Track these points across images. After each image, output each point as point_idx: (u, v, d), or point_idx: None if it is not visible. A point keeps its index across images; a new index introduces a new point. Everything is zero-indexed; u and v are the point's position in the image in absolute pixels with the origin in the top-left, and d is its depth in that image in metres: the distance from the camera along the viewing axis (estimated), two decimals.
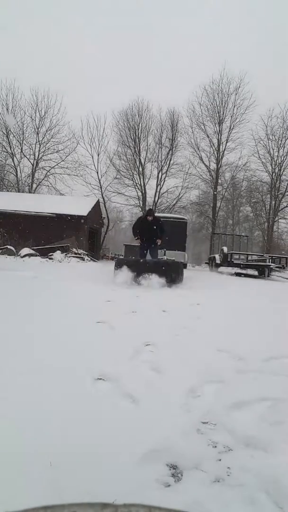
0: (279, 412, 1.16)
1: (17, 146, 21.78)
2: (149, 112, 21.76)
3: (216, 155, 22.14)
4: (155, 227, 5.67)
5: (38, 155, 21.87)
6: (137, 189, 22.01)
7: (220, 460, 0.89)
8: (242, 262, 10.72)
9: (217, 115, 21.73)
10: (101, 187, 21.38)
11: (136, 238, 5.79)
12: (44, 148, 21.91)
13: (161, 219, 5.89)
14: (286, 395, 1.30)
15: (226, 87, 21.36)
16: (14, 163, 21.98)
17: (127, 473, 0.81)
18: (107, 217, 20.99)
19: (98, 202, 18.46)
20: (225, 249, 11.55)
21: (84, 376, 1.36)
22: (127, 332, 2.10)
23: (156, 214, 6.09)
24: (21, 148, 21.77)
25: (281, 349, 1.92)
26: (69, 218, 14.80)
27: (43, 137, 21.79)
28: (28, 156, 21.93)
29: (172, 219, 12.70)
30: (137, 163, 21.86)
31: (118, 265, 4.90)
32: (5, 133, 21.34)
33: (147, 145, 22.00)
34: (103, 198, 21.00)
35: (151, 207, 6.42)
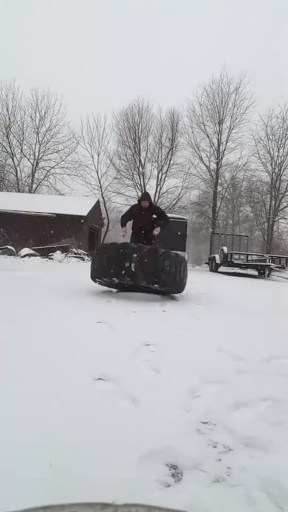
0: (279, 412, 1.16)
1: (17, 146, 21.81)
2: (149, 112, 21.77)
3: (216, 155, 22.12)
4: (154, 216, 4.08)
5: (38, 155, 21.89)
6: (137, 189, 21.99)
7: (220, 460, 0.89)
8: (242, 262, 10.73)
9: (217, 115, 21.71)
10: (101, 187, 21.40)
11: (123, 234, 4.06)
12: (44, 148, 21.93)
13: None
14: (286, 395, 1.30)
15: (226, 87, 21.34)
16: (14, 163, 22.00)
17: (127, 473, 0.81)
18: (107, 217, 21.00)
19: (98, 202, 18.48)
20: (225, 249, 11.55)
21: (84, 376, 1.36)
22: (127, 332, 2.11)
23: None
24: (21, 148, 21.79)
25: (281, 349, 1.92)
26: (69, 218, 14.81)
27: (43, 137, 21.81)
28: (28, 156, 21.96)
29: (172, 219, 12.68)
30: (137, 163, 21.85)
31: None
32: (5, 133, 21.35)
33: (147, 145, 22.00)
34: (103, 198, 21.02)
35: (147, 191, 4.82)
